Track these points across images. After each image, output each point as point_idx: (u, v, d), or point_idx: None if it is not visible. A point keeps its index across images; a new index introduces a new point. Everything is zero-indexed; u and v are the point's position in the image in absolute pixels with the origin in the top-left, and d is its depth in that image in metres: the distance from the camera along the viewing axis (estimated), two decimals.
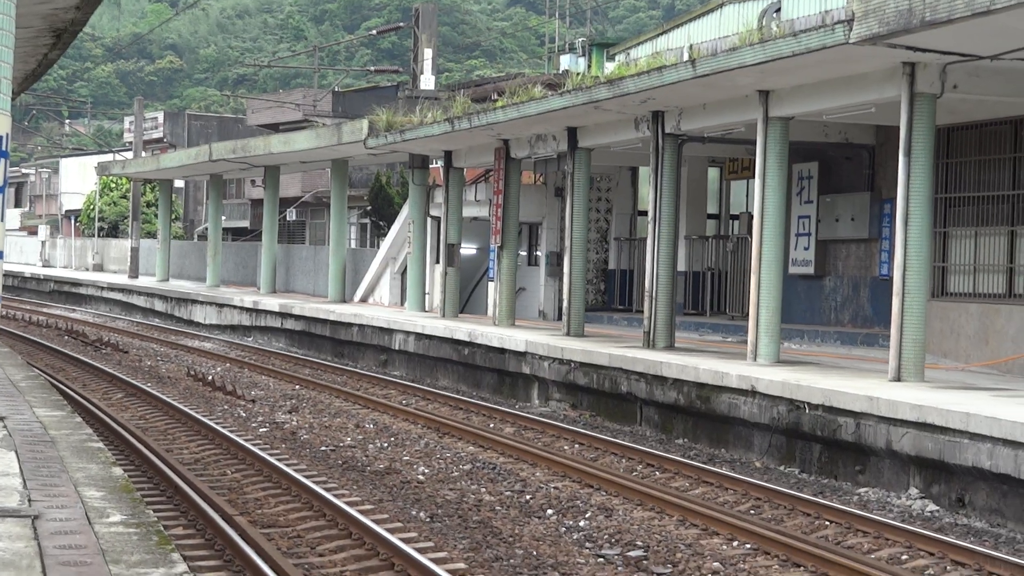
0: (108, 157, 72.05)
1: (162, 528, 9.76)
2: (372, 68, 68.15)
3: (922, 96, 18.09)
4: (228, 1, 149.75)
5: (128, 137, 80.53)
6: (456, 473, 17.10)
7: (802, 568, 12.24)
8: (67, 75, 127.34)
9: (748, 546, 13.07)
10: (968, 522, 14.57)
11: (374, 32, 62.27)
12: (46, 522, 9.13)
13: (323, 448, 18.93)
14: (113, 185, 79.07)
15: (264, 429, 20.79)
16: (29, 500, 9.86)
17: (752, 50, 18.76)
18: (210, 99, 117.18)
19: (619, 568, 12.20)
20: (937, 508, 15.16)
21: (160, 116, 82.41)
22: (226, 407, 23.22)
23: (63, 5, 12.27)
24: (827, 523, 14.14)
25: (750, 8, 33.28)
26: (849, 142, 25.37)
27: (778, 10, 31.68)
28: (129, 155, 66.03)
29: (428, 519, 14.21)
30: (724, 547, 13.11)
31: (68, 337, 38.18)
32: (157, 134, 79.32)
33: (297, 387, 26.73)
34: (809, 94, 20.22)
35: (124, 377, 26.43)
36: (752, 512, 14.84)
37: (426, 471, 17.22)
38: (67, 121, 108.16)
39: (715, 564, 12.36)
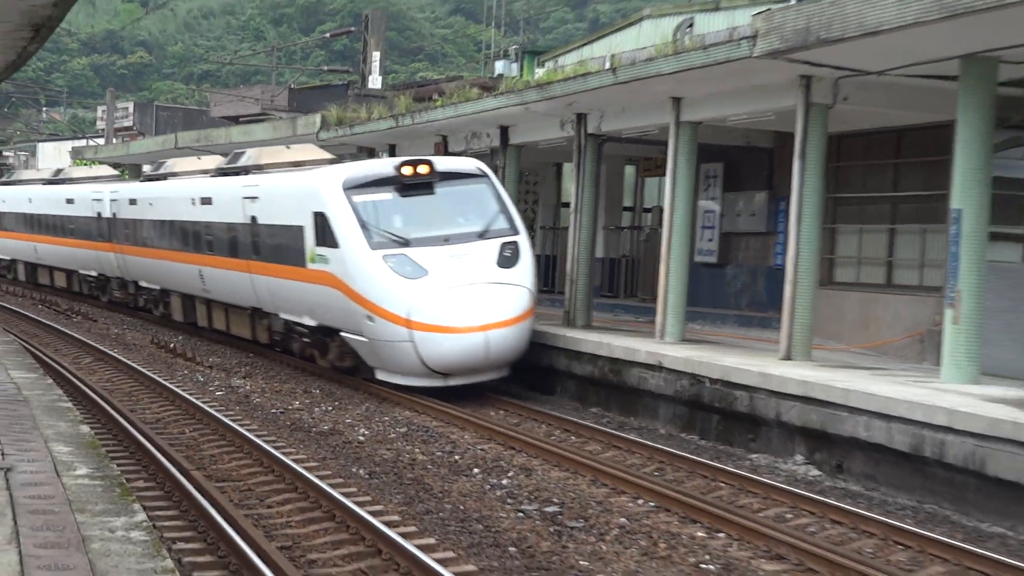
0: (82, 143, 71.18)
1: (124, 481, 9.74)
2: (325, 68, 67.79)
3: (816, 106, 18.24)
4: (195, 2, 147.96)
5: (101, 125, 79.57)
6: (393, 435, 17.12)
7: (699, 524, 12.38)
8: (45, 67, 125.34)
9: (652, 504, 13.20)
10: (846, 486, 14.77)
11: (328, 35, 61.85)
12: (18, 474, 9.09)
13: (273, 411, 18.89)
14: (86, 168, 78.08)
15: (220, 392, 20.70)
16: (2, 454, 9.80)
17: (667, 61, 18.84)
18: (177, 92, 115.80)
19: (537, 522, 12.29)
20: (819, 473, 15.35)
21: (130, 106, 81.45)
22: (186, 372, 23.09)
23: (41, 2, 12.14)
24: (722, 485, 14.29)
25: (666, 23, 33.47)
26: (751, 145, 25.49)
27: (691, 26, 31.87)
28: (101, 141, 65.30)
29: (367, 476, 14.24)
30: (630, 504, 13.23)
31: (42, 306, 37.76)
32: (127, 123, 78.40)
33: (251, 355, 26.60)
34: (716, 101, 20.32)
35: (93, 343, 26.20)
36: (656, 474, 14.97)
37: (366, 433, 17.23)
38: (44, 109, 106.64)
39: (622, 519, 12.48)
